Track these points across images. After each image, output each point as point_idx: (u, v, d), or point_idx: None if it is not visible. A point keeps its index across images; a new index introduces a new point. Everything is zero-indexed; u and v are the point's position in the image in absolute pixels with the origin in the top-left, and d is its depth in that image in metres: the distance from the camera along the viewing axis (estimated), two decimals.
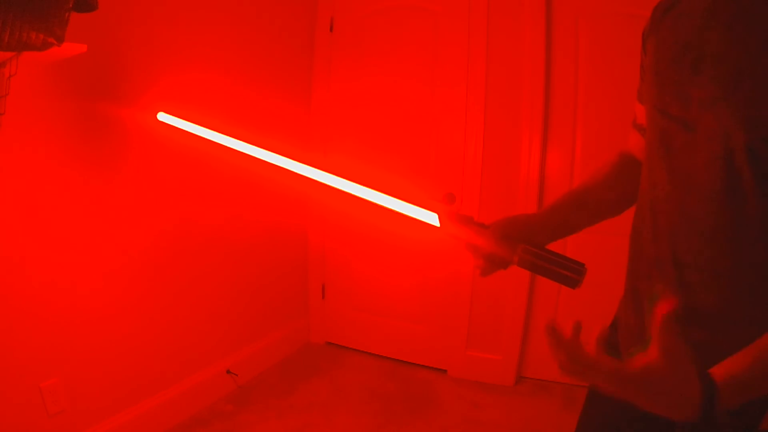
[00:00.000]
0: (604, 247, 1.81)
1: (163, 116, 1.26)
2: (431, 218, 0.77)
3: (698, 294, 0.63)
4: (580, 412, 0.92)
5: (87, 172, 1.57)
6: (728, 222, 0.59)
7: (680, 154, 0.64)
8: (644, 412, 0.70)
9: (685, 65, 0.63)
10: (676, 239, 0.65)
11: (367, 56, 2.44)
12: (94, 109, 1.55)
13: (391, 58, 2.39)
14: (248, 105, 2.14)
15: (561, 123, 2.17)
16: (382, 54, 2.41)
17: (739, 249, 0.59)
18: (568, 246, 2.10)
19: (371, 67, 2.44)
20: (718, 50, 0.59)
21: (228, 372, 2.18)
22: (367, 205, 0.83)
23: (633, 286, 0.76)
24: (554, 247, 0.76)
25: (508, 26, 2.15)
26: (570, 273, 0.68)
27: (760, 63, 0.55)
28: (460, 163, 2.29)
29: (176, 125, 1.23)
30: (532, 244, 0.72)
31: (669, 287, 0.67)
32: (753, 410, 0.64)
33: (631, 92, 0.85)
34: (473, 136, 2.26)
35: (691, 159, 0.62)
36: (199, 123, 1.18)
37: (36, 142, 1.42)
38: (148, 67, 1.70)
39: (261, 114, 2.22)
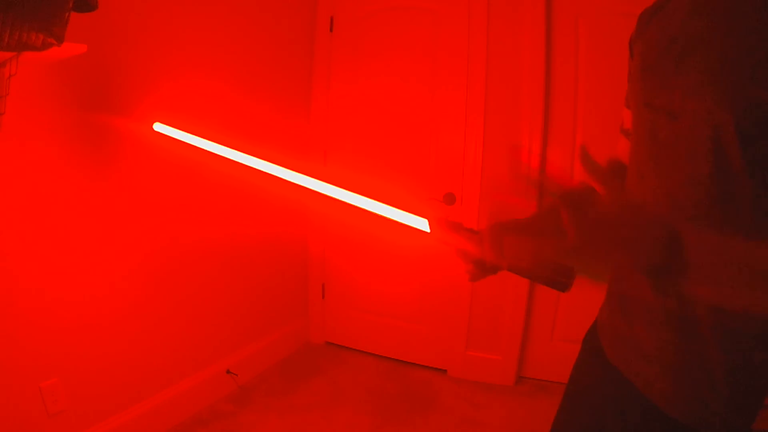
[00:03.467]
0: None
1: (159, 127, 1.24)
2: (421, 224, 0.78)
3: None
4: (558, 409, 0.92)
5: (89, 173, 1.57)
6: (717, 208, 0.59)
7: (666, 143, 0.64)
8: (625, 407, 0.71)
9: (670, 58, 0.64)
10: None
11: (367, 56, 2.44)
12: (95, 109, 1.55)
13: (391, 58, 2.39)
14: (248, 105, 2.14)
15: (561, 123, 2.17)
16: (382, 54, 2.41)
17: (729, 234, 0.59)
18: None
19: (371, 67, 2.44)
20: (702, 39, 0.59)
21: (228, 372, 2.18)
22: (358, 211, 0.83)
23: (618, 289, 0.76)
24: None
25: (508, 26, 2.15)
26: (559, 276, 0.69)
27: (744, 46, 0.55)
28: (460, 163, 2.30)
29: (172, 136, 1.21)
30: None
31: (657, 288, 0.67)
32: (747, 410, 0.64)
33: None
34: (473, 136, 2.26)
35: (676, 147, 0.62)
36: (198, 129, 1.16)
37: (36, 142, 1.42)
38: (147, 68, 1.70)
39: (261, 115, 2.22)
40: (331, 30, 2.50)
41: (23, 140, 1.39)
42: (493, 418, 2.08)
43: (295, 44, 2.43)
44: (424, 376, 2.43)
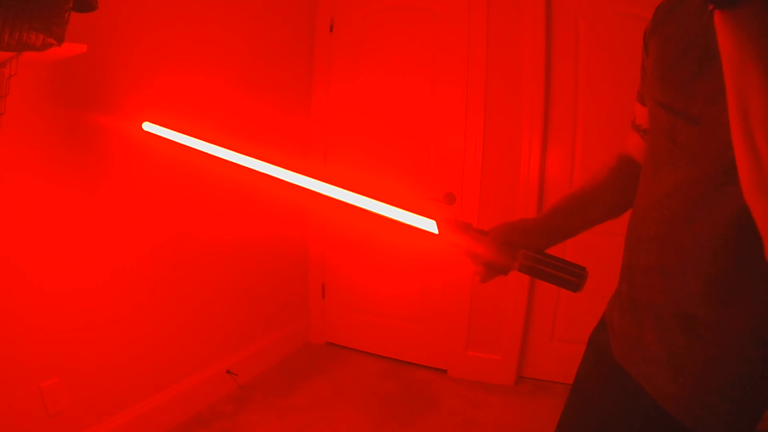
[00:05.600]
0: (604, 247, 1.81)
1: (148, 126, 1.22)
2: (429, 226, 0.76)
3: (694, 297, 0.63)
4: (563, 408, 0.92)
5: (89, 173, 1.57)
6: (734, 214, 0.58)
7: (686, 148, 0.63)
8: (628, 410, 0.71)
9: (690, 62, 0.63)
10: (681, 236, 0.64)
11: (367, 56, 2.44)
12: (95, 108, 1.55)
13: (391, 58, 2.39)
14: (247, 105, 2.14)
15: (561, 123, 2.17)
16: (382, 54, 2.41)
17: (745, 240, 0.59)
18: (567, 246, 2.11)
19: (371, 67, 2.44)
20: None
21: (228, 372, 2.18)
22: (364, 213, 0.82)
23: (629, 291, 0.76)
24: (554, 248, 0.76)
25: (508, 26, 2.15)
26: (571, 277, 0.68)
27: None
28: (460, 164, 2.29)
29: (162, 135, 1.20)
30: (533, 249, 0.71)
31: (668, 291, 0.67)
32: (753, 410, 0.64)
33: (631, 92, 0.85)
34: (473, 136, 2.26)
35: (697, 152, 0.62)
36: (195, 129, 1.15)
37: (36, 141, 1.42)
38: (148, 67, 1.70)
39: (260, 114, 2.22)
40: (331, 30, 2.50)
41: (23, 140, 1.38)
42: (493, 418, 2.08)
43: (294, 44, 2.43)
44: (424, 376, 2.43)
